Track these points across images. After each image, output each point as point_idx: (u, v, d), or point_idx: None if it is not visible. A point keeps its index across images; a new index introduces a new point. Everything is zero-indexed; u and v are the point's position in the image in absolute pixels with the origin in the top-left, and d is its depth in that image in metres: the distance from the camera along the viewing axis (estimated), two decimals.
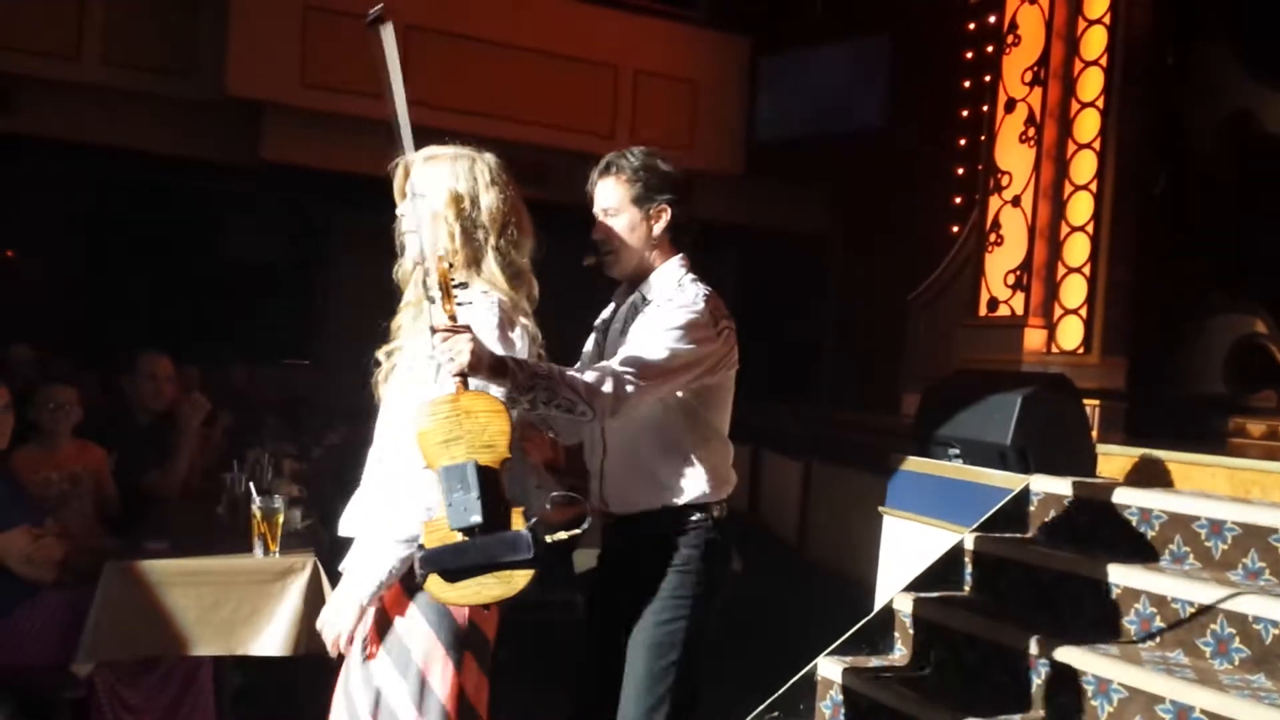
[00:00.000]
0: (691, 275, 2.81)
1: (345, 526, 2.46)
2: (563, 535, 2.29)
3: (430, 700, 2.32)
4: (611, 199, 2.78)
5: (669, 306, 2.70)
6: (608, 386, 2.44)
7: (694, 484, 2.71)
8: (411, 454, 2.20)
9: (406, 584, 2.30)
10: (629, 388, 2.48)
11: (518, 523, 2.12)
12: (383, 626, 2.36)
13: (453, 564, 2.10)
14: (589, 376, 2.44)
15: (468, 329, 2.19)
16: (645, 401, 2.58)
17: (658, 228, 2.79)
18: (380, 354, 2.46)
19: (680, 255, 2.85)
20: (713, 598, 2.72)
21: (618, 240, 2.80)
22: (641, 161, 2.79)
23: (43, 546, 3.78)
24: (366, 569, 2.30)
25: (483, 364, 2.18)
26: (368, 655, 2.36)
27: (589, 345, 2.93)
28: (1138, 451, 4.66)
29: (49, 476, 4.33)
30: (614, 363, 2.53)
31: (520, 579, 2.12)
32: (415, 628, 2.34)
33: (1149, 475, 4.51)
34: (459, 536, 2.10)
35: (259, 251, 9.34)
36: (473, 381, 2.18)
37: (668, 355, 2.58)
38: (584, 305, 3.04)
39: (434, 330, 2.19)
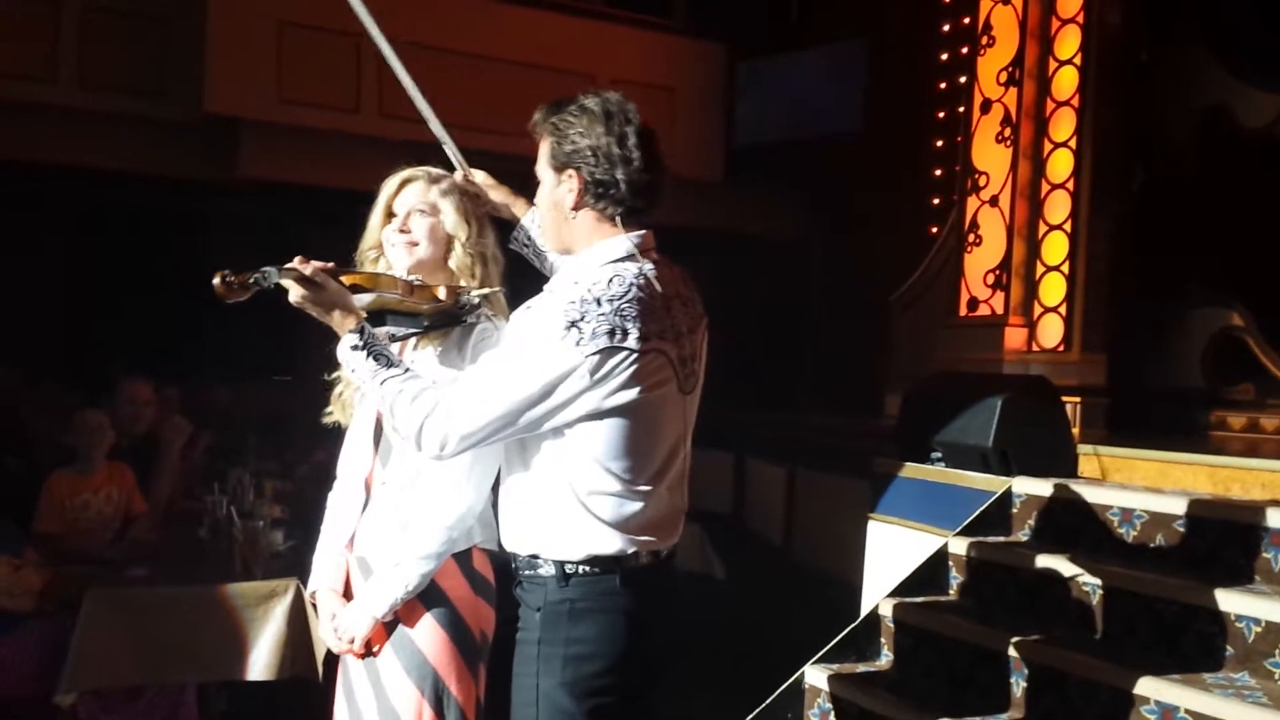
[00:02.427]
0: (637, 265, 2.15)
1: (361, 546, 2.50)
2: None
3: (451, 709, 2.40)
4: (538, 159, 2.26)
5: (526, 317, 2.14)
6: (425, 432, 2.12)
7: (539, 532, 2.20)
8: (435, 475, 2.33)
9: (423, 594, 2.39)
10: (439, 444, 2.12)
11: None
12: (391, 628, 2.42)
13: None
14: (416, 403, 2.13)
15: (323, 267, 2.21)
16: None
17: (569, 196, 2.19)
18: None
19: (629, 235, 2.18)
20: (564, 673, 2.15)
21: (542, 216, 2.31)
22: (560, 108, 2.22)
23: (22, 577, 3.77)
24: (387, 584, 2.37)
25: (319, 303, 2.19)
26: (374, 652, 2.42)
27: None
28: (1119, 450, 4.68)
29: (87, 499, 4.44)
30: (446, 397, 2.13)
31: None
32: (431, 636, 2.40)
33: (1130, 474, 4.52)
34: None
35: (240, 268, 9.32)
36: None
37: (491, 401, 2.08)
38: None
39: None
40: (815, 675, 3.97)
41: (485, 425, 2.09)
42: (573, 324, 2.04)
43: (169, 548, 4.35)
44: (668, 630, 2.32)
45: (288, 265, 2.19)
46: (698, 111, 9.49)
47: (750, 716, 3.93)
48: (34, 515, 4.35)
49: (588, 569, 2.15)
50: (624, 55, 9.19)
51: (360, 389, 2.41)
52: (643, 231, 2.21)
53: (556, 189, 2.21)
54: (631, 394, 2.08)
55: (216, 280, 2.08)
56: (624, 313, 2.06)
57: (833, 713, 3.88)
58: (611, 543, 2.15)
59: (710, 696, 4.59)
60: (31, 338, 8.27)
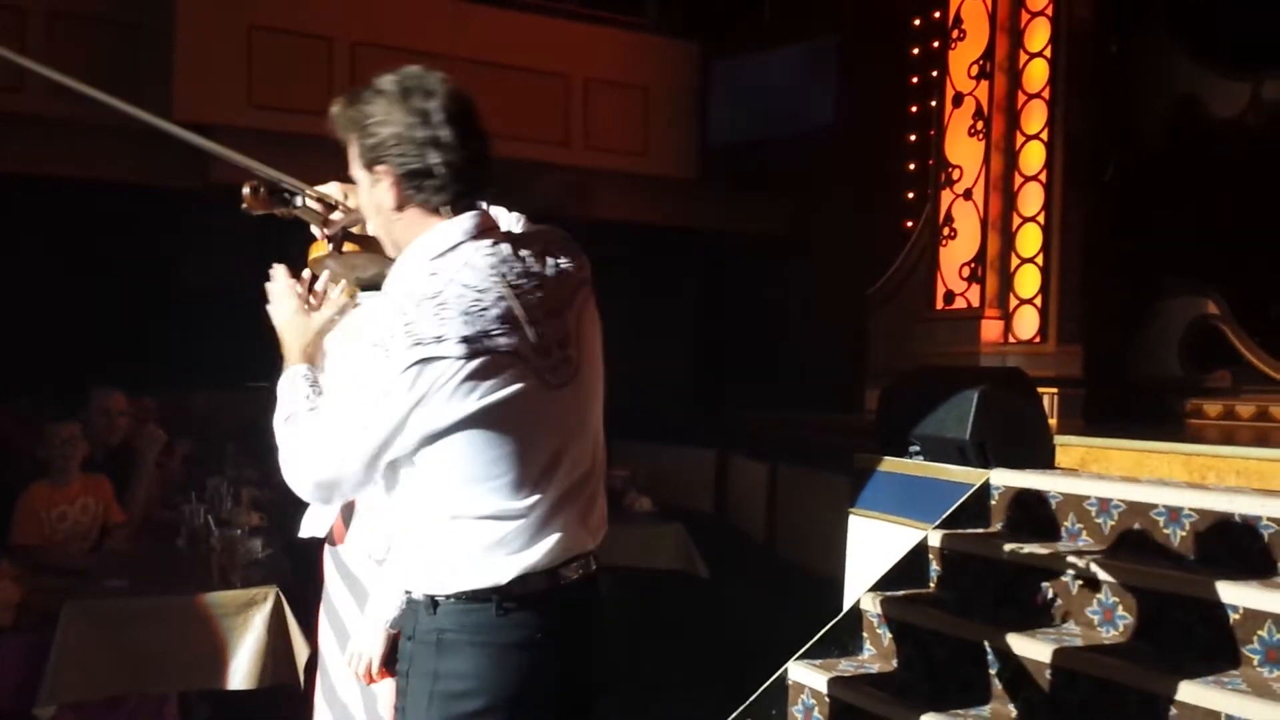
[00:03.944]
0: (464, 255, 1.89)
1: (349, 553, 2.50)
2: None
3: None
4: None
5: (362, 338, 1.89)
6: (282, 456, 1.97)
7: (411, 562, 1.99)
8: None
9: None
10: (287, 471, 1.96)
11: None
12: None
13: None
14: (290, 427, 1.98)
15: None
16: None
17: (388, 195, 1.93)
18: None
19: (460, 219, 1.93)
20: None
21: (369, 222, 2.05)
22: (355, 98, 1.94)
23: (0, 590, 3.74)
24: (391, 587, 2.34)
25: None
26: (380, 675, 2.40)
27: None
28: (1095, 441, 4.69)
29: (63, 511, 4.44)
30: (310, 420, 1.97)
31: None
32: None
33: (1106, 464, 4.53)
34: None
35: (214, 275, 9.26)
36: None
37: (328, 447, 1.90)
38: None
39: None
40: (799, 671, 3.96)
41: (335, 469, 1.89)
42: (378, 341, 1.82)
43: (147, 558, 4.34)
44: (579, 660, 2.04)
45: (319, 189, 2.16)
46: (672, 110, 9.51)
47: (734, 714, 3.93)
48: (9, 528, 4.32)
49: (456, 597, 1.91)
50: (597, 54, 9.20)
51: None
52: (474, 212, 1.94)
53: (373, 190, 1.94)
54: (469, 404, 1.82)
55: (246, 189, 2.02)
56: (440, 315, 1.81)
57: (816, 708, 3.88)
58: (486, 568, 1.90)
59: (694, 694, 4.60)
60: (3, 348, 8.17)
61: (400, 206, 1.93)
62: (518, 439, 1.88)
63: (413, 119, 1.87)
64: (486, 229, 1.95)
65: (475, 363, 1.82)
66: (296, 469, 1.94)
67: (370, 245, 2.14)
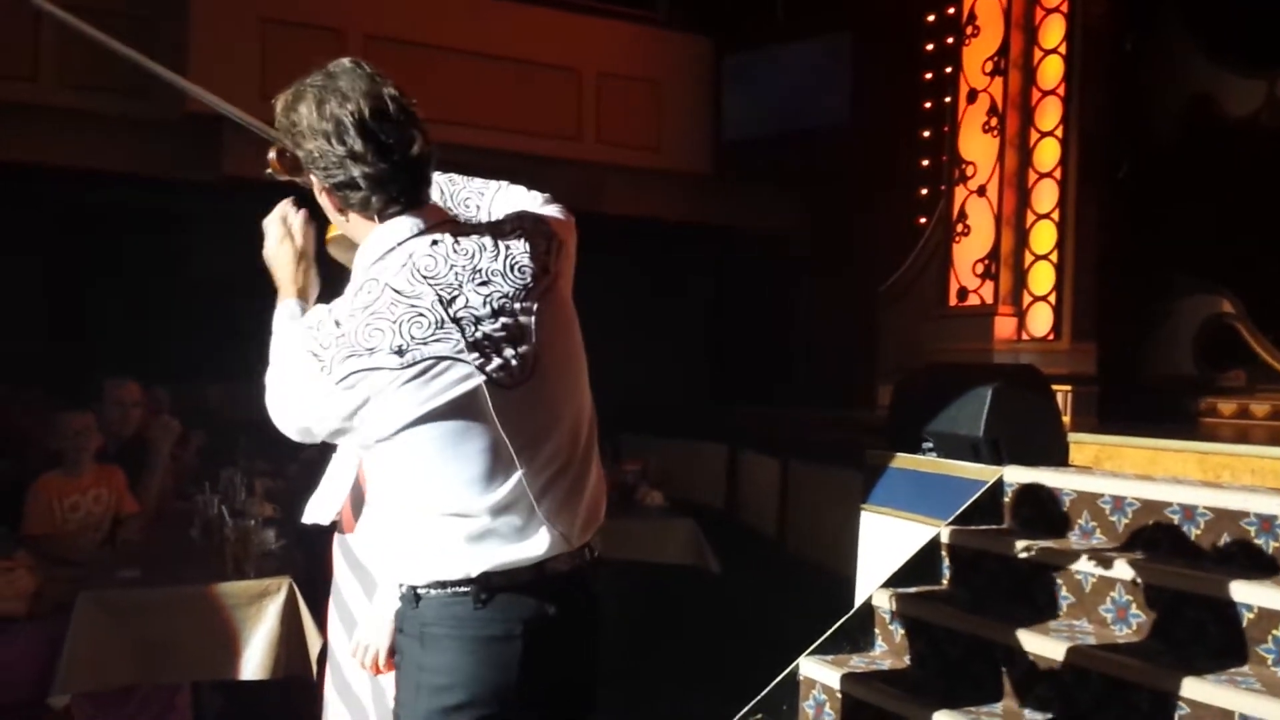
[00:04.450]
0: (403, 257, 1.84)
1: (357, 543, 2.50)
2: None
3: None
4: None
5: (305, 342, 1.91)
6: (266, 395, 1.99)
7: (393, 554, 2.03)
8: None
9: None
10: (269, 409, 1.98)
11: None
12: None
13: None
14: (272, 370, 2.01)
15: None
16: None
17: (326, 202, 1.95)
18: None
19: (404, 219, 1.88)
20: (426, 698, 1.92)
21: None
22: (288, 103, 1.89)
23: (14, 580, 3.75)
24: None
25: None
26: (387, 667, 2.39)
27: None
28: (1109, 439, 4.68)
29: (76, 501, 4.43)
30: (285, 370, 1.99)
31: None
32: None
33: (1120, 462, 4.52)
34: None
35: (227, 266, 9.30)
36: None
37: (282, 396, 1.95)
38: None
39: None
40: (810, 667, 3.96)
41: (306, 424, 1.92)
42: (314, 354, 1.83)
43: (161, 548, 4.34)
44: (571, 654, 2.00)
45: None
46: (684, 105, 9.47)
47: (746, 709, 3.93)
48: (22, 518, 4.33)
49: (436, 589, 1.90)
50: (609, 49, 9.17)
51: None
52: (412, 214, 1.87)
53: (319, 195, 1.94)
54: (414, 409, 1.80)
55: (272, 154, 1.95)
56: (372, 325, 1.79)
57: (827, 704, 3.88)
58: (459, 560, 1.88)
59: (706, 689, 4.59)
60: (16, 340, 8.21)
61: (341, 212, 1.92)
62: (474, 438, 1.84)
63: (328, 128, 1.81)
64: (433, 226, 1.88)
65: (411, 370, 1.79)
66: (276, 412, 1.96)
67: None
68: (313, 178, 1.90)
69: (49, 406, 4.84)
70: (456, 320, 1.81)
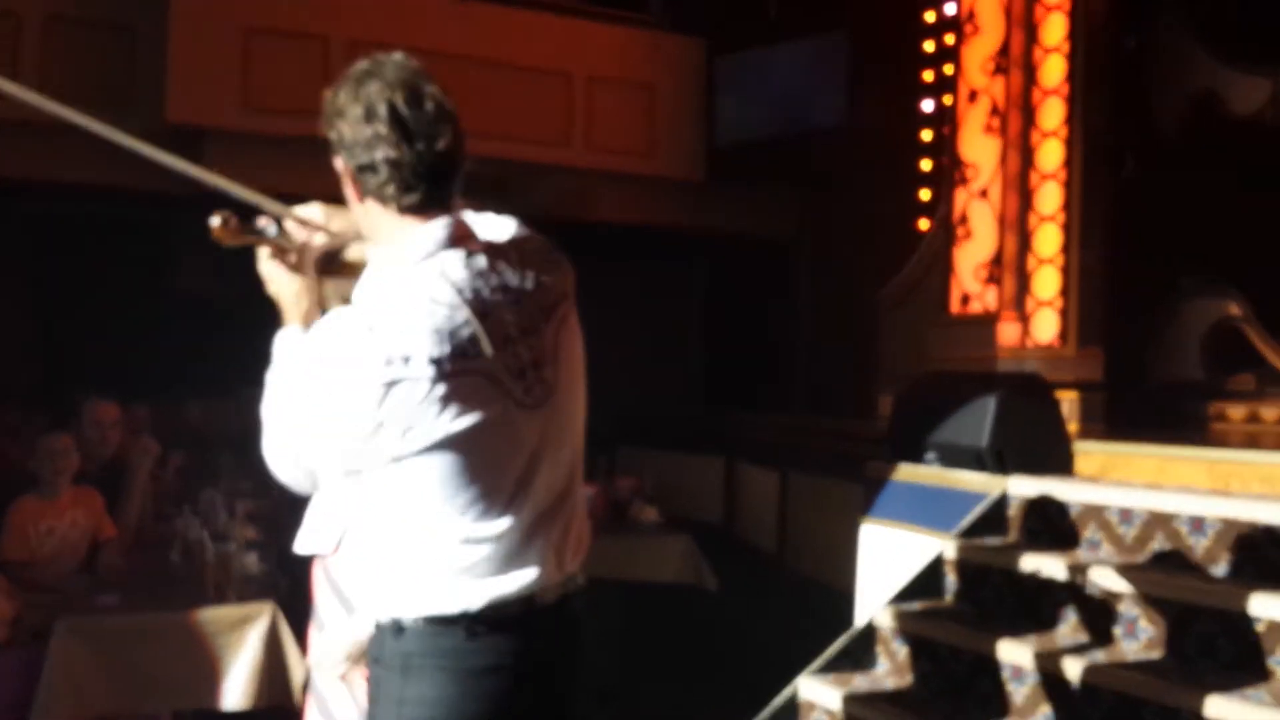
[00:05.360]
0: (438, 266, 1.79)
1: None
2: None
3: None
4: None
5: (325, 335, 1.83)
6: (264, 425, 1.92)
7: (379, 582, 1.92)
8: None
9: None
10: (264, 439, 1.92)
11: None
12: None
13: None
14: (267, 404, 1.92)
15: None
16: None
17: (349, 184, 1.88)
18: None
19: (434, 225, 1.83)
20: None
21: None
22: (333, 90, 1.86)
23: None
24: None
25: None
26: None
27: None
28: (1116, 446, 4.61)
29: (52, 525, 4.33)
30: (281, 407, 1.92)
31: None
32: None
33: (1128, 471, 4.43)
34: None
35: (209, 281, 9.22)
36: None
37: (295, 406, 1.86)
38: None
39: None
40: (810, 687, 3.89)
41: (297, 472, 1.89)
42: (345, 359, 1.74)
43: (140, 573, 4.26)
44: (557, 685, 1.95)
45: (298, 210, 2.04)
46: (677, 109, 9.37)
47: None
48: None
49: (424, 621, 1.83)
50: (600, 52, 9.08)
51: None
52: (447, 219, 1.83)
53: (344, 181, 1.89)
54: (438, 429, 1.74)
55: (216, 220, 1.91)
56: (409, 332, 1.73)
57: None
58: (456, 592, 1.82)
59: (702, 711, 4.51)
60: None
61: (361, 199, 1.86)
62: (488, 463, 1.80)
63: (360, 109, 1.78)
64: (461, 237, 1.84)
65: (444, 385, 1.73)
66: (278, 453, 1.90)
67: (356, 271, 2.01)
68: (338, 161, 1.85)
69: (25, 425, 4.74)
70: (490, 338, 1.78)
